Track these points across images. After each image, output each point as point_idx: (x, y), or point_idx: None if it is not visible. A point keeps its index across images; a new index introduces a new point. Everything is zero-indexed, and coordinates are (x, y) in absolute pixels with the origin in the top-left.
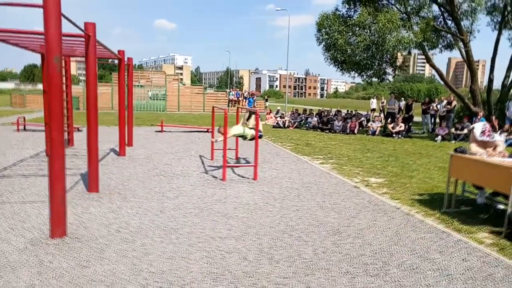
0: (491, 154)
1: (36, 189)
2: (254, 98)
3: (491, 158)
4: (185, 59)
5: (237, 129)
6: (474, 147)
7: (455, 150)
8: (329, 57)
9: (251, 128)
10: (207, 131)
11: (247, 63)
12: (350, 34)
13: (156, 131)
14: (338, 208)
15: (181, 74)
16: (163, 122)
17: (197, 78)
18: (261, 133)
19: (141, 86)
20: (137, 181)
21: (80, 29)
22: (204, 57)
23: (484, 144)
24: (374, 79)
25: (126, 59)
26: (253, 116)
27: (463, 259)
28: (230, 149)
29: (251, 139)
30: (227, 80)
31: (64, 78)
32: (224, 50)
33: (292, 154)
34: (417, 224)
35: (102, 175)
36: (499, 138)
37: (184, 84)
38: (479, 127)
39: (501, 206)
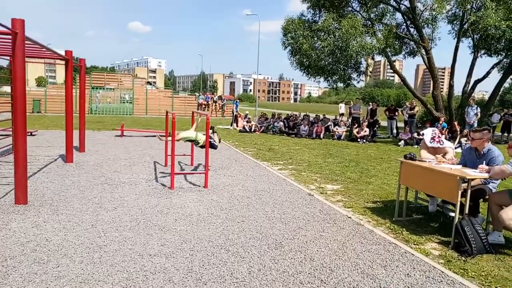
0: (440, 160)
1: None
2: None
3: (440, 165)
4: (159, 62)
5: (188, 133)
6: (424, 153)
7: (405, 156)
8: (295, 62)
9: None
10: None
11: (222, 67)
12: (315, 39)
13: (116, 136)
14: (286, 219)
15: (155, 77)
16: (123, 126)
17: (171, 81)
18: (214, 143)
19: (112, 89)
20: (76, 191)
21: (3, 26)
22: (179, 61)
23: (434, 150)
24: (340, 84)
25: (76, 60)
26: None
27: (406, 274)
28: (185, 155)
29: (202, 146)
30: (201, 84)
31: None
32: (198, 54)
33: (252, 159)
34: (366, 235)
35: (39, 184)
36: (449, 145)
37: (156, 88)
38: (429, 133)
39: (452, 214)
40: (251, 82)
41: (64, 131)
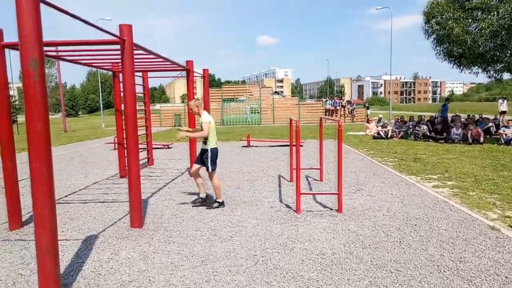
0: None
1: (76, 224)
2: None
3: None
4: (286, 72)
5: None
6: None
7: None
8: (441, 52)
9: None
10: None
11: (349, 71)
12: (470, 20)
13: (243, 147)
14: (467, 271)
15: (282, 86)
16: (249, 136)
17: (297, 89)
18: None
19: (241, 100)
20: (194, 212)
21: (109, 33)
22: (305, 69)
23: None
24: (507, 75)
25: (200, 71)
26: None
27: None
28: (313, 168)
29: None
30: (327, 90)
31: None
32: (324, 60)
33: (394, 173)
34: None
35: (161, 202)
36: None
37: (283, 97)
38: None
39: None
40: (381, 84)
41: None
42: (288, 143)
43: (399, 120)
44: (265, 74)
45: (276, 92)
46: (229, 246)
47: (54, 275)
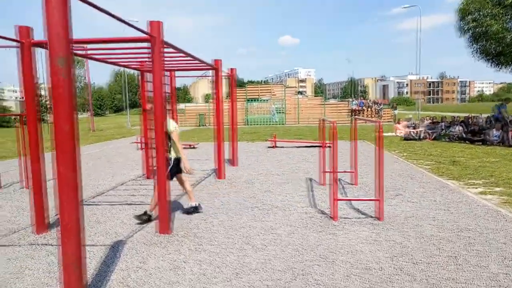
0: None
1: (103, 227)
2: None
3: None
4: (308, 71)
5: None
6: None
7: None
8: (478, 50)
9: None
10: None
11: (372, 71)
12: (509, 16)
13: (269, 147)
14: None
15: (304, 86)
16: (275, 137)
17: (320, 89)
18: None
19: (265, 100)
20: (224, 217)
21: (140, 30)
22: (328, 69)
23: None
24: None
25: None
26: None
27: None
28: (346, 171)
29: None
30: (351, 90)
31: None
32: (345, 60)
33: (433, 176)
34: None
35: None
36: None
37: (307, 96)
38: None
39: None
40: (407, 84)
41: (212, 144)
42: (316, 144)
43: (431, 121)
44: (288, 74)
45: (299, 92)
46: (263, 256)
47: None
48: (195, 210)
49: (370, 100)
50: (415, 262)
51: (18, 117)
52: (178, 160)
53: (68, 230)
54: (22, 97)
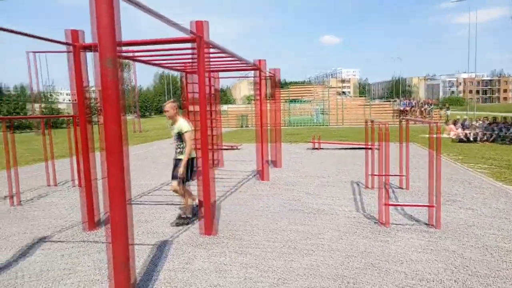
0: None
1: (150, 226)
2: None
3: None
4: (353, 71)
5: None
6: None
7: None
8: None
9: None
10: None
11: (420, 69)
12: None
13: (312, 149)
14: None
15: (348, 87)
16: (320, 138)
17: (365, 89)
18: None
19: (308, 101)
20: (266, 220)
21: (184, 29)
22: (372, 68)
23: None
24: None
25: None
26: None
27: None
28: (395, 175)
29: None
30: (398, 89)
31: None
32: (393, 58)
33: (491, 182)
34: None
35: (233, 206)
36: None
37: (350, 97)
38: None
39: None
40: (460, 83)
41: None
42: (362, 146)
43: (490, 123)
44: (330, 74)
45: (343, 93)
46: (309, 262)
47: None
48: (184, 220)
49: (419, 100)
50: (478, 275)
51: (71, 118)
52: (192, 160)
53: (117, 231)
54: (75, 100)
